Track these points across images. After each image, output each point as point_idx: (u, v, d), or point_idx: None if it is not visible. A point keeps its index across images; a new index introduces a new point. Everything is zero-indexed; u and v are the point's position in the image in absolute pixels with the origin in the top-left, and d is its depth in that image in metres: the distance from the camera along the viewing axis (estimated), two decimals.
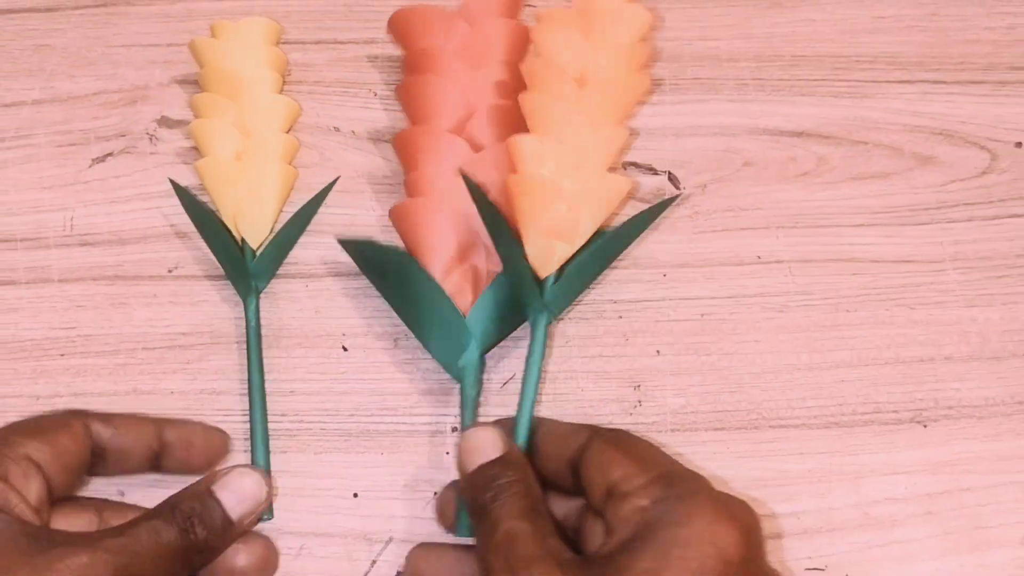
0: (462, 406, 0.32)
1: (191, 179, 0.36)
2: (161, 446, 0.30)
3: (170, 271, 0.35)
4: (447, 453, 0.32)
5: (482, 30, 0.35)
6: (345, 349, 0.33)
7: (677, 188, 0.36)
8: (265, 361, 0.33)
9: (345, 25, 0.38)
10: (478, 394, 0.32)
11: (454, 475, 0.31)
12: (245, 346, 0.33)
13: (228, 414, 0.32)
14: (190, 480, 0.28)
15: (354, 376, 0.33)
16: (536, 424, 0.30)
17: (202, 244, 0.35)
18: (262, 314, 0.34)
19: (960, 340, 0.34)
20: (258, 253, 0.34)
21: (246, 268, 0.33)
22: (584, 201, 0.31)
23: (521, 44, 0.36)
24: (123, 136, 0.37)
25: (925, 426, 0.33)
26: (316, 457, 0.32)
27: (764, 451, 0.32)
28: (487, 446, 0.28)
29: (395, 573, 0.31)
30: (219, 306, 0.34)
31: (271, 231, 0.34)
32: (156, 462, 0.30)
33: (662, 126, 0.37)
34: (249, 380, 0.32)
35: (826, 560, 0.31)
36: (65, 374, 0.33)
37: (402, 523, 0.31)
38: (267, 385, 0.33)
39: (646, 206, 0.35)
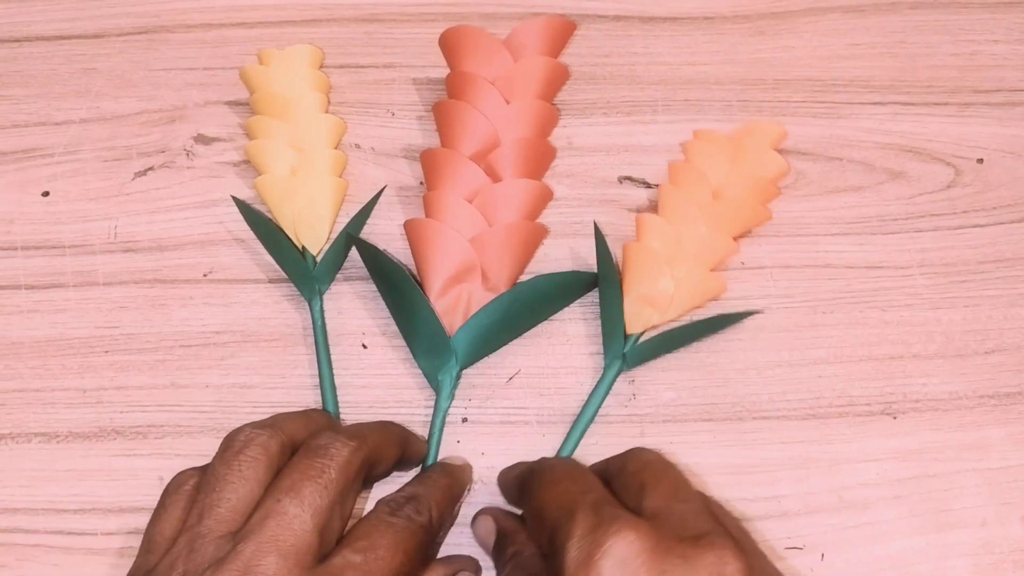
0: (434, 414, 0.34)
1: (225, 191, 0.37)
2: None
3: (205, 275, 0.36)
4: (458, 441, 0.34)
5: (522, 64, 0.36)
6: (365, 347, 0.35)
7: None
8: (292, 358, 0.35)
9: (365, 51, 0.40)
10: (449, 405, 0.34)
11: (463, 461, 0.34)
12: (272, 340, 0.35)
13: (257, 406, 0.34)
14: None
15: (373, 372, 0.35)
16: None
17: (235, 250, 0.36)
18: (290, 314, 0.35)
19: (927, 339, 0.35)
20: (319, 259, 0.36)
21: (310, 273, 0.35)
22: (684, 286, 0.34)
23: (557, 83, 0.38)
24: (163, 152, 0.38)
25: (895, 418, 0.34)
26: None
27: (748, 440, 0.34)
28: (486, 537, 0.31)
29: None
30: (249, 307, 0.36)
31: (328, 238, 0.36)
32: None
33: (655, 143, 0.38)
34: (320, 374, 0.34)
35: (804, 540, 0.33)
36: (109, 369, 0.35)
37: None
38: (293, 380, 0.35)
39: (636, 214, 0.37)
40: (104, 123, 0.39)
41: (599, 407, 0.34)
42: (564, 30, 0.38)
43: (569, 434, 0.34)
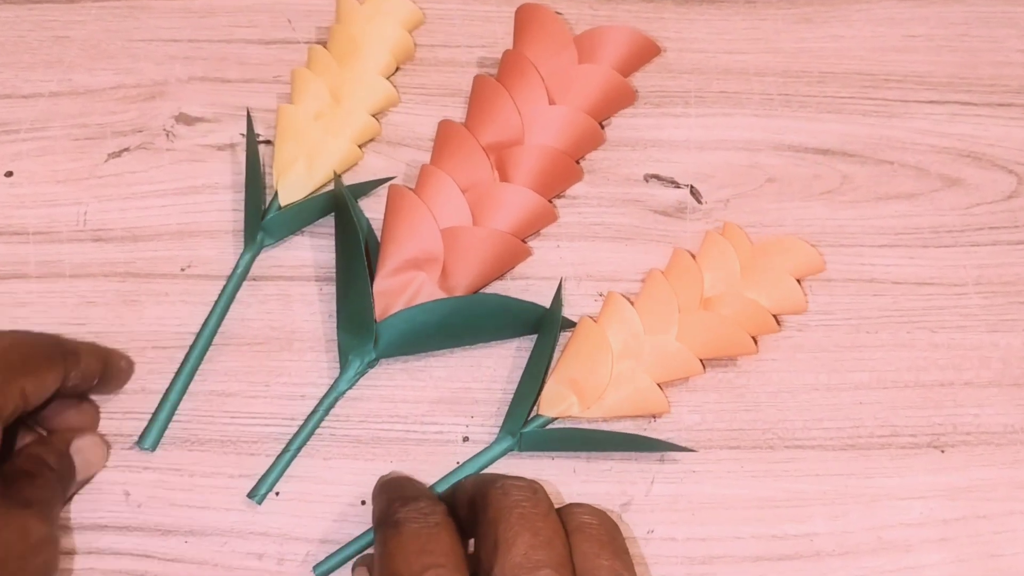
0: (327, 392, 0.34)
1: (208, 177, 0.37)
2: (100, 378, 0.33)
3: (183, 269, 0.36)
4: (457, 463, 0.34)
5: (585, 70, 0.36)
6: None
7: (699, 202, 0.37)
8: (276, 365, 0.35)
9: None
10: (347, 389, 0.34)
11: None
12: (254, 344, 0.35)
13: (236, 416, 0.34)
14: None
15: (365, 381, 0.35)
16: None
17: (216, 243, 0.37)
18: (275, 314, 0.36)
19: (981, 365, 0.35)
20: (281, 211, 0.36)
21: (259, 219, 0.36)
22: (623, 391, 0.33)
23: (615, 103, 0.37)
24: (140, 132, 0.38)
25: (943, 451, 0.34)
26: (325, 463, 0.34)
27: (779, 471, 0.34)
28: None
29: None
30: (230, 306, 0.35)
31: (306, 197, 0.36)
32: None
33: (685, 139, 0.38)
34: (204, 323, 0.35)
35: None
36: None
37: None
38: (277, 388, 0.35)
39: (665, 218, 0.37)
40: (76, 98, 0.38)
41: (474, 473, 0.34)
42: (646, 51, 0.37)
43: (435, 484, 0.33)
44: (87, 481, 0.34)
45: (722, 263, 0.35)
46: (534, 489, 0.28)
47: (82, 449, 0.33)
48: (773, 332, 0.35)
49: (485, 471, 0.34)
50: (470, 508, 0.29)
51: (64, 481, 0.32)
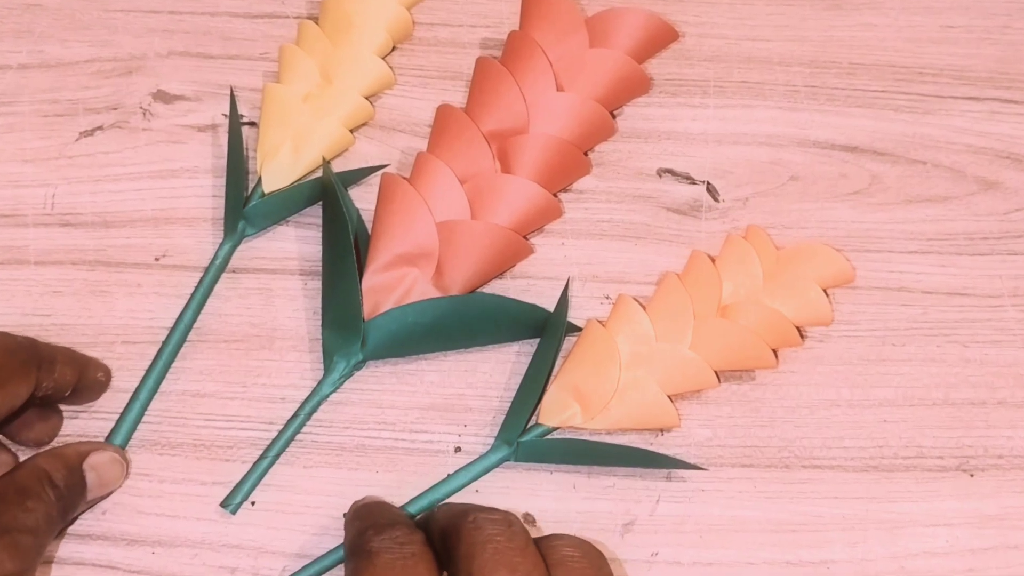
0: (309, 396, 0.34)
1: (187, 160, 0.37)
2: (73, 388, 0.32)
3: (157, 259, 0.36)
4: (448, 474, 0.33)
5: (596, 55, 0.36)
6: None
7: (716, 200, 0.37)
8: (256, 364, 0.35)
9: None
10: (331, 392, 0.34)
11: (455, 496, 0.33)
12: (232, 342, 0.35)
13: (210, 418, 0.34)
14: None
15: (351, 385, 0.34)
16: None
17: (194, 232, 0.36)
18: (255, 310, 0.35)
19: (1016, 384, 0.35)
20: (264, 199, 0.36)
21: (241, 207, 0.35)
22: (630, 401, 0.33)
23: (628, 92, 0.37)
24: (115, 109, 0.38)
25: (972, 475, 0.34)
26: (305, 471, 0.33)
27: (795, 492, 0.33)
28: None
29: None
30: (207, 300, 0.35)
31: (292, 184, 0.36)
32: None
33: (703, 131, 0.38)
34: (179, 317, 0.34)
35: None
36: None
37: None
38: (256, 390, 0.34)
39: (679, 216, 0.37)
40: (47, 71, 0.38)
41: (466, 484, 0.33)
42: (662, 35, 0.37)
43: (416, 500, 0.33)
44: (98, 501, 0.33)
45: (743, 269, 0.35)
46: (509, 522, 0.28)
47: (97, 466, 0.32)
48: (795, 346, 0.35)
49: (476, 482, 0.33)
50: (442, 540, 0.29)
51: (68, 501, 0.31)
